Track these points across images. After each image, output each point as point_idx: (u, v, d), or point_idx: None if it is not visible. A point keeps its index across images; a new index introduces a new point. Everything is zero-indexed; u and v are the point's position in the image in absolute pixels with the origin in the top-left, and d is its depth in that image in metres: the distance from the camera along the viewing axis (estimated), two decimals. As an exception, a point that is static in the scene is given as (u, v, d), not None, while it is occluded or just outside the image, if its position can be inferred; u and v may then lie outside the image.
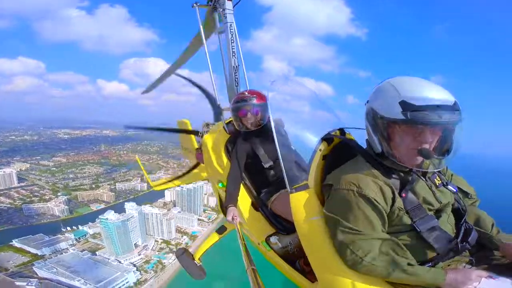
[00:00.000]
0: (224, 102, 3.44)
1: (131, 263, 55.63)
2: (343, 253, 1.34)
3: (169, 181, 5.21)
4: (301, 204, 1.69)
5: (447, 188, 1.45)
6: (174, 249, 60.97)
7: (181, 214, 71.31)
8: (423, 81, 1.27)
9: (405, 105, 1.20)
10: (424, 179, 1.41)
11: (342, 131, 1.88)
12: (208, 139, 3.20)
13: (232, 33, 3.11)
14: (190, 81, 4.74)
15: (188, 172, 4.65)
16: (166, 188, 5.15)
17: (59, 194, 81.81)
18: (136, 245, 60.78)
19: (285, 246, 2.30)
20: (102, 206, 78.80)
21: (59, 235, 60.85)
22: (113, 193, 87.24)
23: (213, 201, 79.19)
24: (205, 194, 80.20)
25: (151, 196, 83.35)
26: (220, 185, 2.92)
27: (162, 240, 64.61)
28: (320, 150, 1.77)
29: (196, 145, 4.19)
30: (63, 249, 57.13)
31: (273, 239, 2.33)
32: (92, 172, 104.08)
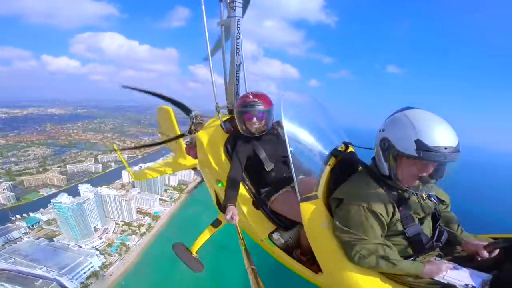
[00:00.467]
0: (222, 101, 3.25)
1: (93, 247, 54.52)
2: (349, 253, 1.70)
3: (153, 172, 5.04)
4: (311, 212, 1.91)
5: (430, 200, 1.83)
6: (137, 231, 61.35)
7: (141, 195, 70.20)
8: (436, 120, 1.52)
9: (420, 145, 1.45)
10: (414, 194, 1.76)
11: (346, 145, 2.19)
12: (203, 137, 3.13)
13: (238, 28, 2.96)
14: (143, 91, 4.29)
15: (162, 142, 4.54)
16: (150, 178, 5.11)
17: (1, 180, 75.32)
18: (95, 229, 59.32)
19: (286, 241, 2.52)
20: (53, 190, 74.59)
21: (9, 224, 57.20)
22: (65, 176, 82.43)
23: (175, 180, 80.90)
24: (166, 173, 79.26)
25: (108, 178, 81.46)
26: (219, 185, 2.96)
27: (123, 223, 63.53)
28: (329, 165, 2.04)
29: (178, 132, 4.15)
30: (16, 238, 54.12)
31: (275, 235, 2.52)
32: (38, 154, 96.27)
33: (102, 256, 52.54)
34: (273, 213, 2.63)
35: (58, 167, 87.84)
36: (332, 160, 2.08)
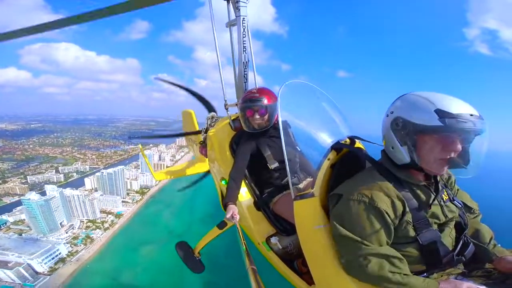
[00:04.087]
0: (232, 98, 3.17)
1: (60, 239, 59.17)
2: (346, 261, 1.42)
3: (173, 173, 4.93)
4: (305, 212, 1.71)
5: (453, 204, 1.51)
6: (101, 226, 66.30)
7: (104, 197, 74.42)
8: (448, 96, 1.31)
9: (442, 113, 1.23)
10: (434, 194, 1.45)
11: (352, 140, 1.89)
12: (213, 135, 3.12)
13: (244, 27, 2.95)
14: (178, 86, 4.60)
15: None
16: (170, 178, 4.91)
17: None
18: (62, 225, 64.02)
19: (285, 247, 2.33)
20: (16, 198, 76.92)
21: (-24, 226, 59.81)
22: (26, 186, 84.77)
23: (136, 185, 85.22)
24: (128, 179, 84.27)
25: (70, 186, 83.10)
26: (223, 182, 2.81)
27: (87, 220, 68.06)
28: (328, 159, 1.76)
29: (200, 138, 4.02)
30: (-15, 237, 57.93)
31: (273, 240, 2.35)
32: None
33: (69, 245, 57.77)
34: (274, 216, 2.49)
35: (19, 178, 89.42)
36: (332, 154, 1.79)
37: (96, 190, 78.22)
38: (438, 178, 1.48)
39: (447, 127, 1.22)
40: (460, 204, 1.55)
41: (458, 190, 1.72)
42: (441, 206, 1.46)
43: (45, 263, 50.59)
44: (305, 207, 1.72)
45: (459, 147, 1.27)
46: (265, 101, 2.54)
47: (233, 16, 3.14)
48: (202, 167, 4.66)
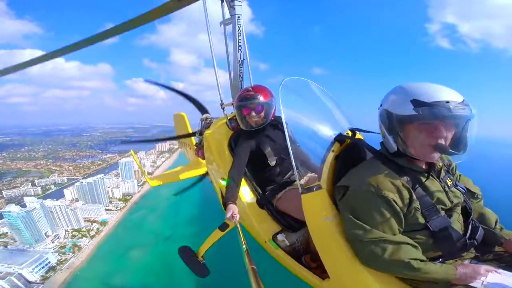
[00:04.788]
0: (227, 97, 3.19)
1: (47, 248, 58.86)
2: (359, 252, 1.43)
3: (169, 177, 4.69)
4: (314, 205, 1.71)
5: (457, 189, 1.53)
6: (87, 234, 65.96)
7: (86, 206, 73.87)
8: (433, 84, 1.34)
9: (416, 102, 1.28)
10: (438, 180, 1.48)
11: (353, 131, 1.95)
12: (210, 135, 3.09)
13: (239, 25, 2.95)
14: (164, 86, 4.50)
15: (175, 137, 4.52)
16: (165, 183, 4.51)
17: None
18: (47, 235, 63.53)
19: (292, 243, 2.31)
20: (-7, 212, 74.89)
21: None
22: (3, 200, 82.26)
23: (118, 193, 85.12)
24: (109, 187, 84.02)
25: (49, 198, 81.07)
26: (223, 182, 2.74)
27: (72, 229, 67.56)
28: (332, 151, 1.80)
29: (194, 140, 4.04)
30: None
31: (280, 237, 2.32)
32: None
33: (57, 254, 57.80)
34: (279, 213, 2.48)
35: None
36: (336, 146, 1.84)
37: (77, 200, 77.39)
38: (440, 165, 1.52)
39: (421, 115, 1.27)
40: (464, 189, 1.56)
41: (460, 175, 1.74)
42: (446, 192, 1.47)
43: (36, 272, 50.67)
44: (313, 200, 1.71)
45: (444, 133, 1.30)
46: (261, 99, 2.52)
47: (227, 15, 3.10)
48: (197, 170, 4.59)
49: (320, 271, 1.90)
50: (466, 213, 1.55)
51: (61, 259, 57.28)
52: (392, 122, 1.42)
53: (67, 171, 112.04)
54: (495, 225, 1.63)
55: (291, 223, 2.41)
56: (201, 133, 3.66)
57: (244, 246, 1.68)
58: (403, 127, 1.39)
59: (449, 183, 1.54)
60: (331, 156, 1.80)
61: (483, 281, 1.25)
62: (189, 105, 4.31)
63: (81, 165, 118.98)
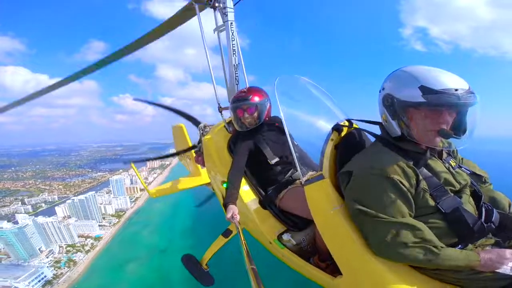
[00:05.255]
0: (224, 101, 3.21)
1: (42, 263, 58.29)
2: (371, 240, 1.35)
3: (170, 189, 4.69)
4: (318, 195, 1.66)
5: (462, 170, 1.50)
6: (81, 249, 65.21)
7: (79, 222, 73.21)
8: (438, 69, 1.32)
9: (425, 89, 1.25)
10: (442, 161, 1.45)
11: (349, 122, 1.89)
12: (209, 140, 3.11)
13: (232, 31, 3.03)
14: (154, 104, 4.48)
15: (180, 152, 4.47)
16: (166, 194, 4.58)
17: None
18: (41, 250, 62.78)
19: (298, 243, 2.25)
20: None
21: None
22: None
23: (111, 209, 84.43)
24: (101, 204, 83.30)
25: (41, 215, 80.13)
26: (224, 185, 2.64)
27: (66, 245, 66.87)
28: (332, 140, 1.76)
29: (193, 151, 4.02)
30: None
31: (285, 237, 2.27)
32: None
33: (52, 268, 57.28)
34: (282, 212, 2.45)
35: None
36: (334, 135, 1.77)
37: (69, 217, 76.58)
38: (440, 145, 1.45)
39: (430, 103, 1.25)
40: (469, 171, 1.53)
41: (462, 158, 1.69)
42: (452, 173, 1.43)
43: (33, 286, 50.03)
44: (317, 190, 1.66)
45: (448, 119, 1.30)
46: (254, 99, 2.55)
47: (220, 22, 3.22)
48: (198, 180, 4.51)
49: (330, 271, 1.82)
50: (476, 196, 1.46)
51: (57, 273, 56.67)
52: (397, 107, 1.37)
53: (57, 189, 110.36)
54: (510, 208, 1.54)
55: (296, 221, 2.36)
56: (200, 141, 3.59)
57: (244, 247, 1.66)
58: (407, 113, 1.36)
59: (453, 164, 1.50)
60: (330, 145, 1.74)
61: (511, 266, 1.16)
62: (180, 119, 4.34)
63: (71, 184, 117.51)
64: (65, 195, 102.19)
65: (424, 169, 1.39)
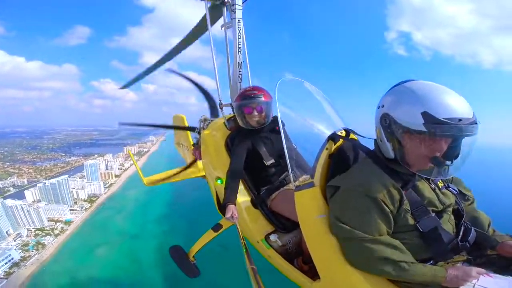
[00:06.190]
0: (226, 98, 3.26)
1: (10, 245, 57.82)
2: (348, 253, 1.42)
3: (164, 178, 4.69)
4: (306, 202, 1.70)
5: (449, 190, 1.53)
6: (51, 233, 65.15)
7: (49, 206, 72.70)
8: (443, 90, 1.28)
9: (427, 117, 1.21)
10: (428, 182, 1.47)
11: (347, 131, 1.92)
12: (207, 135, 3.15)
13: (239, 29, 3.04)
14: (185, 77, 4.48)
15: (186, 168, 4.41)
16: (160, 184, 4.55)
17: None
18: (8, 233, 62.51)
19: (284, 244, 2.32)
20: None
21: None
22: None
23: (84, 194, 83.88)
24: (73, 188, 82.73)
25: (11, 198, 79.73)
26: (219, 181, 2.78)
27: (35, 229, 67.18)
28: (326, 149, 1.77)
29: (191, 141, 4.06)
30: None
31: (272, 237, 2.33)
32: None
33: (20, 251, 57.24)
34: (272, 213, 2.50)
35: None
36: (330, 144, 1.80)
37: (39, 201, 75.93)
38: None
39: (432, 134, 1.21)
40: (456, 191, 1.55)
41: (452, 177, 1.69)
42: (437, 194, 1.45)
43: (-1, 268, 50.23)
44: (306, 197, 1.70)
45: (444, 146, 1.28)
46: (263, 98, 2.56)
47: (228, 19, 3.23)
48: (194, 172, 4.50)
49: (312, 274, 1.85)
50: (458, 215, 1.51)
51: (24, 255, 56.81)
52: (394, 130, 1.35)
53: (27, 173, 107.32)
54: (488, 228, 1.59)
55: (285, 223, 2.43)
56: (199, 132, 3.59)
57: (244, 247, 1.71)
58: (404, 137, 1.34)
59: (440, 185, 1.52)
60: (324, 154, 1.77)
61: (474, 284, 1.21)
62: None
63: (42, 168, 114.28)
64: (36, 179, 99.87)
65: (410, 189, 1.41)
